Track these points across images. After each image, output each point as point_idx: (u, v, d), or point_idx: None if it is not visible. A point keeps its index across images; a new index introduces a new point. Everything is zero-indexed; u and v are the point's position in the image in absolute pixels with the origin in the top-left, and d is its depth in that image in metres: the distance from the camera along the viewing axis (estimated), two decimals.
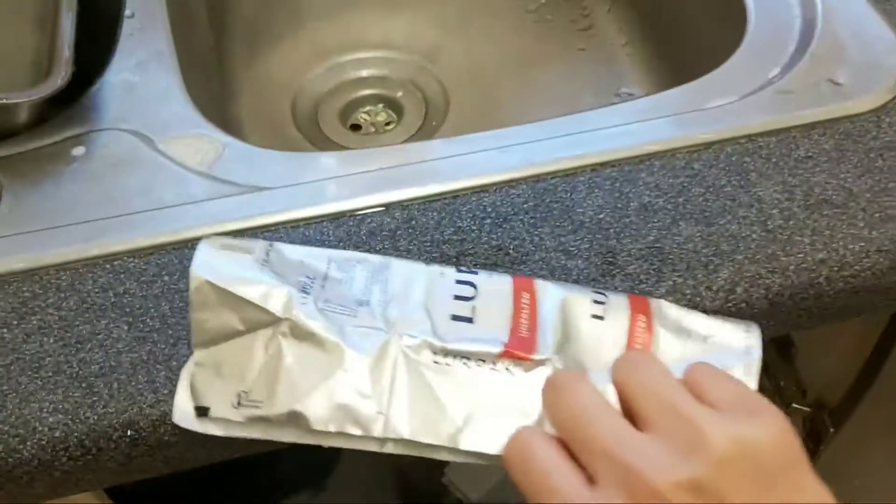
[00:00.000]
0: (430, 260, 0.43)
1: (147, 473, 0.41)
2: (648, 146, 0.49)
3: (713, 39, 0.65)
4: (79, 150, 0.50)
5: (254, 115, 0.79)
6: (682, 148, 0.49)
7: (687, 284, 0.43)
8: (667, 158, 0.49)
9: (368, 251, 0.44)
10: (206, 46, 0.74)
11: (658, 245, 0.44)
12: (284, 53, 0.83)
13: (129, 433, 0.39)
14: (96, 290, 0.43)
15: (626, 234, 0.45)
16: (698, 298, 0.43)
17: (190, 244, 0.45)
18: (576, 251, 0.44)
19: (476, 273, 0.40)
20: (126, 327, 0.42)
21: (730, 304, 0.43)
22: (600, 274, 0.43)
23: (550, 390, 0.34)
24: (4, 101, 0.49)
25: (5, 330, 0.41)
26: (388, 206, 0.47)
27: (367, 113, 0.77)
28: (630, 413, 0.32)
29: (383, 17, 0.83)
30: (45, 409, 0.39)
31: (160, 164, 0.49)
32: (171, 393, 0.39)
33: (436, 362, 0.36)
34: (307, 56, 0.81)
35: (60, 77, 0.50)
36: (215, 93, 0.74)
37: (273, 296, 0.36)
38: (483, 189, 0.47)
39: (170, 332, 0.41)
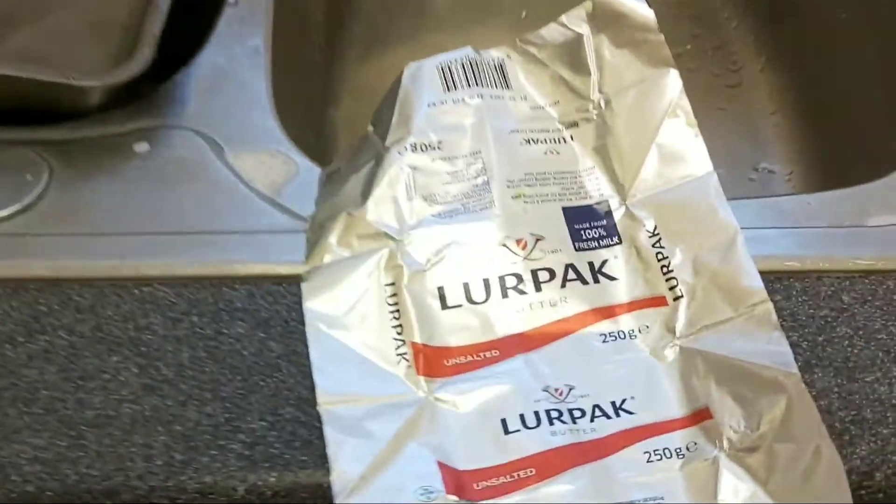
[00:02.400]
0: None
1: None
2: (789, 261, 0.40)
3: (879, 145, 0.55)
4: (142, 147, 0.45)
5: (353, 119, 0.73)
6: (832, 272, 0.40)
7: None
8: (810, 282, 0.40)
9: None
10: (312, 45, 0.68)
11: None
12: (397, 60, 0.77)
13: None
14: (117, 318, 0.38)
15: None
16: None
17: (231, 282, 0.39)
18: None
19: None
20: (136, 370, 0.36)
21: (863, 491, 0.34)
22: None
23: None
24: (74, 81, 0.44)
25: (9, 347, 0.37)
26: None
27: None
28: None
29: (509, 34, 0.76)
30: (25, 455, 0.34)
31: (226, 179, 0.43)
32: (166, 464, 0.33)
33: None
34: None
35: (139, 63, 0.44)
36: (314, 94, 0.69)
37: None
38: None
39: (182, 386, 0.36)
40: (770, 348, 0.35)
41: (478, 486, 0.33)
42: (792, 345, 0.37)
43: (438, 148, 0.41)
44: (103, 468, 0.33)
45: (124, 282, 0.39)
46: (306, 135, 0.50)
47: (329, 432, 0.33)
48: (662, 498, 0.32)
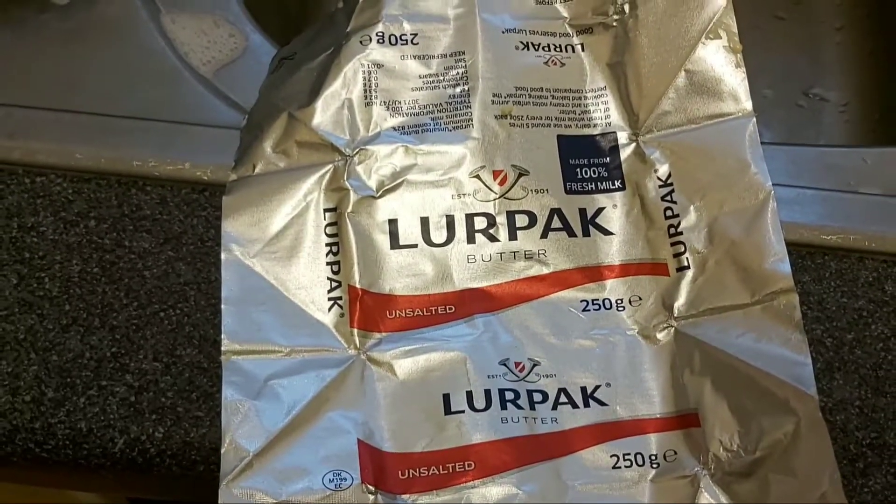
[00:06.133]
0: None
1: None
2: (828, 234, 0.33)
3: None
4: None
5: None
6: (879, 253, 0.32)
7: None
8: (849, 263, 0.32)
9: None
10: None
11: None
12: None
13: None
14: None
15: None
16: None
17: (141, 182, 0.32)
18: None
19: None
20: (15, 280, 0.30)
21: None
22: None
23: None
24: None
25: None
26: None
27: None
28: None
29: None
30: None
31: (155, 48, 0.35)
32: (34, 401, 0.28)
33: None
34: None
35: None
36: None
37: None
38: None
39: (66, 307, 0.29)
40: (786, 355, 0.28)
41: (402, 474, 0.27)
42: (814, 340, 0.30)
43: (412, 42, 0.32)
44: None
45: (13, 167, 0.32)
46: (267, 2, 0.41)
47: (227, 393, 0.27)
48: None
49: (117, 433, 0.28)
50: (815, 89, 0.58)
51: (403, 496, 0.26)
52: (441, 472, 0.27)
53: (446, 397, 0.28)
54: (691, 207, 0.31)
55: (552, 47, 0.33)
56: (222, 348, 0.28)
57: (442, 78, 0.32)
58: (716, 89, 0.32)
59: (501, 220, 0.31)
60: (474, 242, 0.31)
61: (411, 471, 0.27)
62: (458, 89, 0.32)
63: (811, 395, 0.26)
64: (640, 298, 0.30)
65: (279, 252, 0.30)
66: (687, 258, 0.30)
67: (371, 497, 0.26)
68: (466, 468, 0.27)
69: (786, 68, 0.59)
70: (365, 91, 0.31)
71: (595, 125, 0.32)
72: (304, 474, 0.26)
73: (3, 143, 0.32)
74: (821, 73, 0.59)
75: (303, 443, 0.27)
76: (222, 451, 0.26)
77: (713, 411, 0.27)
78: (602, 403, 0.29)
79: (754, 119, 0.31)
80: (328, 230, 0.30)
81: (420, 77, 0.32)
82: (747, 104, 0.32)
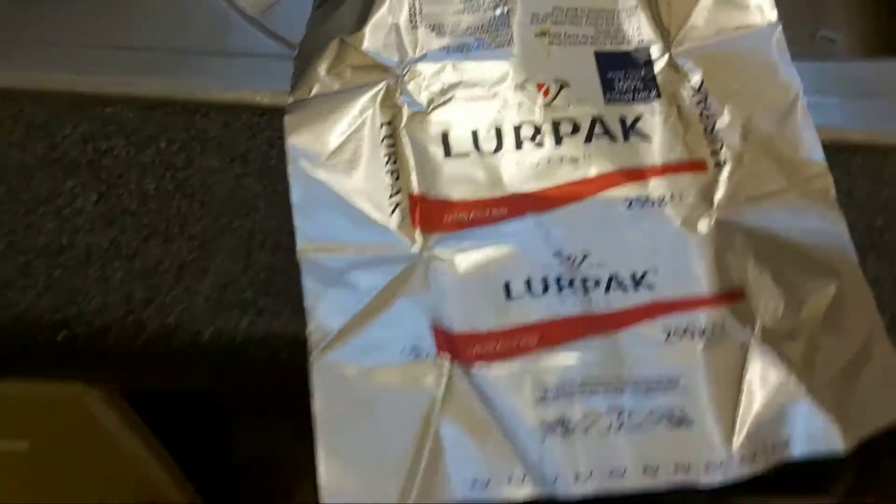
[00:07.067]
0: None
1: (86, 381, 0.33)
2: (852, 133, 0.35)
3: None
4: None
5: None
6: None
7: None
8: (874, 158, 0.34)
9: None
10: None
11: None
12: None
13: (61, 334, 0.30)
14: (74, 138, 0.33)
15: None
16: None
17: (205, 109, 0.34)
18: None
19: None
20: (95, 198, 0.32)
21: None
22: None
23: None
24: None
25: None
26: None
27: None
28: None
29: None
30: None
31: None
32: (124, 300, 0.30)
33: None
34: None
35: None
36: None
37: None
38: None
39: (145, 220, 0.31)
40: (824, 226, 0.30)
41: (472, 349, 0.29)
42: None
43: None
44: (55, 300, 0.30)
45: (84, 99, 0.34)
46: None
47: (307, 283, 0.29)
48: (679, 378, 0.29)
49: (204, 326, 0.30)
50: (822, 32, 0.59)
51: (475, 364, 0.28)
52: (508, 345, 0.29)
53: (507, 285, 0.30)
54: (725, 110, 0.33)
55: None
56: (297, 247, 0.30)
57: (482, 2, 0.34)
58: (742, 3, 0.34)
59: (547, 128, 0.33)
60: (522, 149, 0.33)
61: (479, 346, 0.29)
62: (497, 11, 0.34)
63: (851, 258, 0.28)
64: (682, 194, 0.32)
65: (340, 165, 0.32)
66: (724, 155, 0.32)
67: (447, 365, 0.28)
68: (531, 342, 0.29)
69: (792, 8, 0.61)
70: (410, 16, 0.34)
71: (629, 42, 0.34)
72: (384, 347, 0.28)
73: (74, 77, 0.34)
74: (826, 14, 0.61)
75: (380, 323, 0.29)
76: (308, 330, 0.28)
77: (757, 284, 0.29)
78: (651, 287, 0.30)
79: (780, 27, 0.34)
80: (385, 142, 0.32)
81: (461, 1, 0.34)
82: (772, 15, 0.34)
